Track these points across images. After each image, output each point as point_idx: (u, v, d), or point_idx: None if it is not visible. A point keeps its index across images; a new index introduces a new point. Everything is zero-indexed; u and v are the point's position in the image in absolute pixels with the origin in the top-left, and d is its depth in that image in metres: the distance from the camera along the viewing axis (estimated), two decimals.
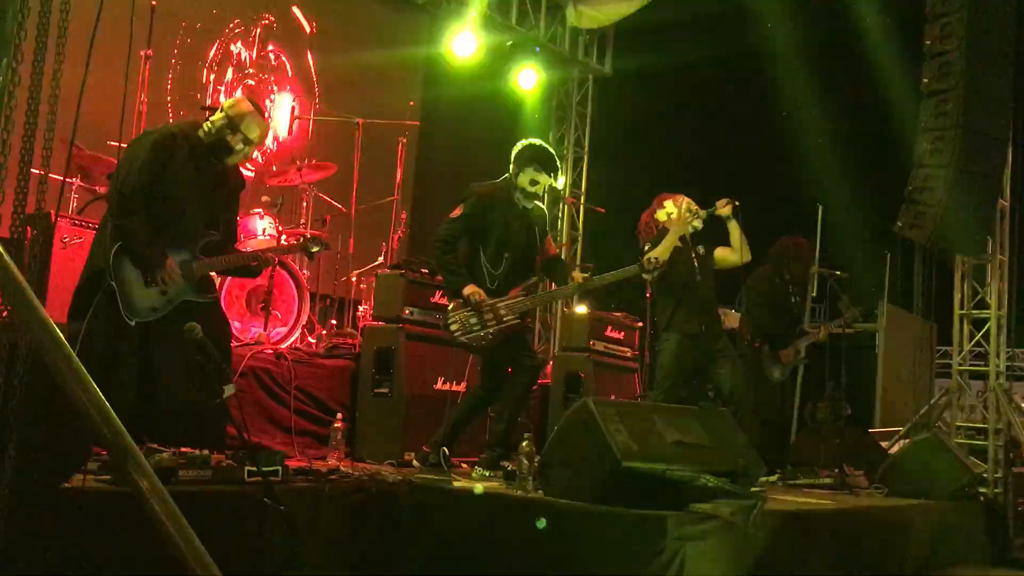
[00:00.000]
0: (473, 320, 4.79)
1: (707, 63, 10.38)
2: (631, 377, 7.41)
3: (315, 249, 4.79)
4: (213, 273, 4.42)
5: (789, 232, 6.84)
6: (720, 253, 5.81)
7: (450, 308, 4.87)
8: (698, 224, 5.74)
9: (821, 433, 6.82)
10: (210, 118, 4.23)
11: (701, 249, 5.78)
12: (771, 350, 6.58)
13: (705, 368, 5.70)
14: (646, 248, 5.60)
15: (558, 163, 5.13)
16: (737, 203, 5.66)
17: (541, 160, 5.00)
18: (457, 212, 4.94)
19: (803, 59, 10.65)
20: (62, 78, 2.49)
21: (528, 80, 10.19)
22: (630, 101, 10.93)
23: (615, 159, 10.86)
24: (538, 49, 10.09)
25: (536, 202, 5.03)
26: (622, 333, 7.37)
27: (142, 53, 6.16)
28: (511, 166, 5.02)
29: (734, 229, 5.73)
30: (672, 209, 5.74)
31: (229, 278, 6.01)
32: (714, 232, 5.81)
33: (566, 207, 10.49)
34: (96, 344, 3.84)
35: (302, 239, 4.87)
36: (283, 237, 6.48)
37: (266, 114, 4.69)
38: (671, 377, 5.57)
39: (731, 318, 7.98)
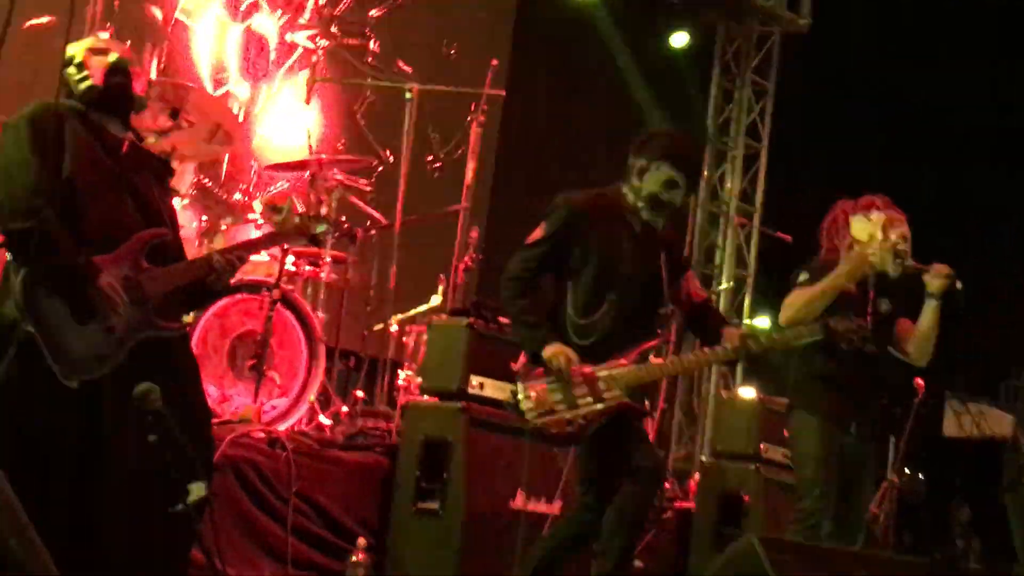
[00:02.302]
0: (556, 396, 4.77)
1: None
2: None
3: (320, 230, 4.74)
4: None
5: None
6: (902, 329, 5.72)
7: (521, 376, 4.87)
8: (894, 270, 5.66)
9: None
10: (68, 73, 4.46)
11: (885, 305, 5.68)
12: None
13: (860, 485, 5.59)
14: (800, 278, 5.56)
15: (702, 163, 5.12)
16: (959, 284, 5.58)
17: (680, 155, 4.97)
18: (537, 234, 4.95)
19: None
20: None
21: (679, 39, 10.18)
22: (835, 71, 10.82)
23: (808, 159, 10.75)
24: None
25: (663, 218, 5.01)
26: None
27: None
28: (630, 161, 5.01)
29: (931, 315, 5.64)
30: (876, 230, 5.66)
31: (204, 317, 6.08)
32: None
33: (731, 230, 10.38)
34: (8, 436, 3.92)
35: (298, 219, 4.79)
36: (290, 260, 6.56)
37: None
38: (819, 482, 5.47)
39: (998, 421, 7.82)
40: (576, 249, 4.90)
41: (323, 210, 5.21)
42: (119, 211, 4.30)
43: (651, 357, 4.94)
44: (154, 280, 4.24)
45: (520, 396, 4.82)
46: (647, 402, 5.11)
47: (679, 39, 10.14)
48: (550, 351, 4.76)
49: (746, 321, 9.61)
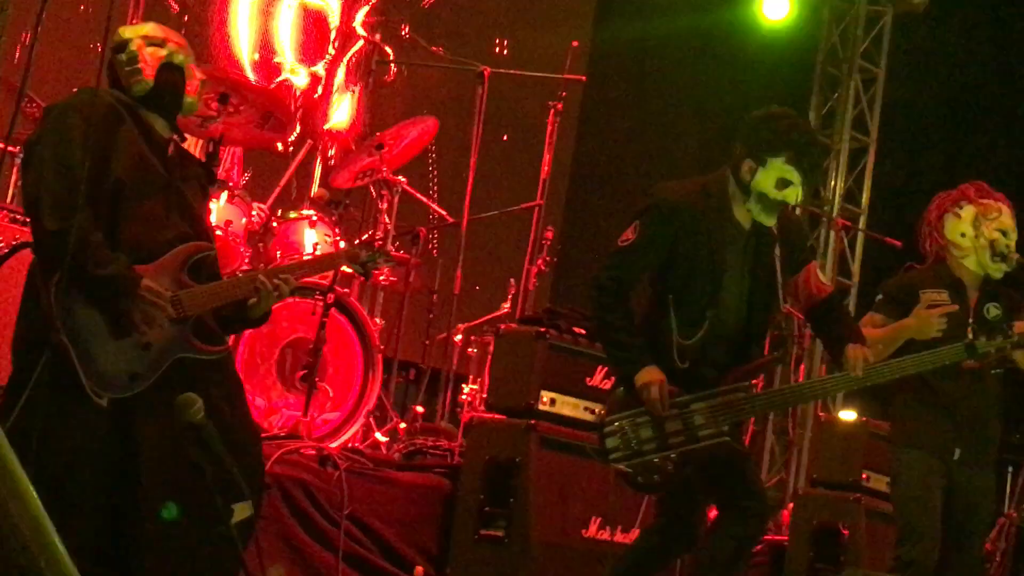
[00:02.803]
0: (646, 434, 4.63)
1: None
2: None
3: (368, 259, 4.72)
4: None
5: None
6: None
7: (610, 403, 4.78)
8: (996, 270, 5.52)
9: None
10: (118, 59, 4.46)
11: (994, 311, 5.49)
12: None
13: (972, 523, 5.48)
14: (877, 299, 5.47)
15: (824, 157, 4.98)
16: None
17: (799, 145, 4.80)
18: (630, 236, 4.79)
19: None
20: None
21: (777, 7, 10.12)
22: (954, 57, 10.70)
23: (922, 155, 10.64)
24: None
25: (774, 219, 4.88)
26: None
27: None
28: (737, 149, 4.86)
29: None
30: (967, 227, 5.52)
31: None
32: None
33: (834, 234, 10.31)
34: (34, 454, 3.92)
35: (352, 247, 4.81)
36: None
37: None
38: (920, 529, 5.37)
39: None
40: (675, 253, 4.73)
41: (379, 237, 5.20)
42: (164, 220, 4.29)
43: (752, 376, 4.84)
44: (195, 297, 4.24)
45: (605, 431, 4.71)
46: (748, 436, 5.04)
47: (778, 8, 10.05)
48: (643, 378, 4.60)
49: None
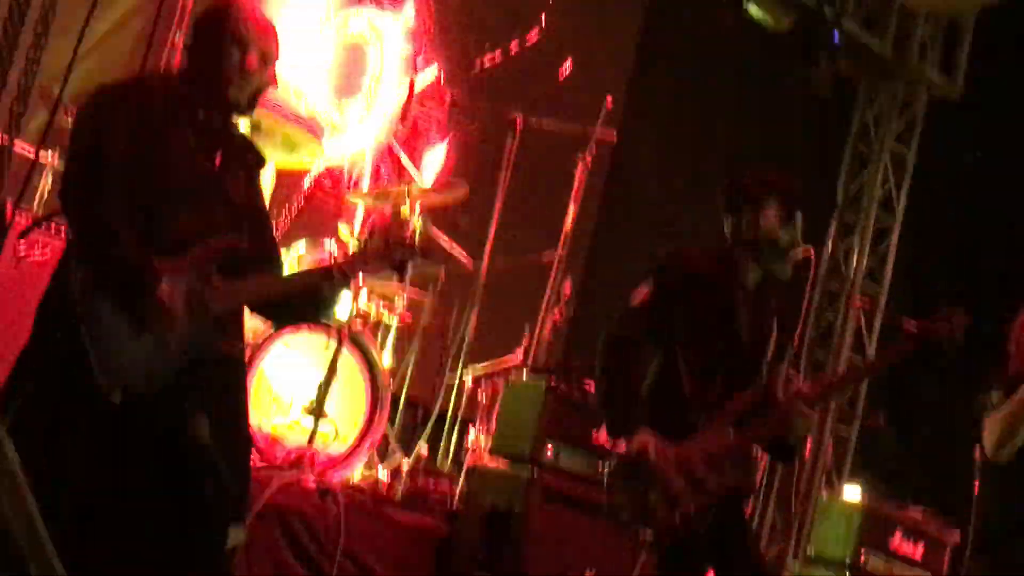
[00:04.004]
0: (652, 496, 4.62)
1: None
2: None
3: (406, 258, 4.50)
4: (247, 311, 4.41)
5: None
6: None
7: (613, 460, 4.77)
8: None
9: None
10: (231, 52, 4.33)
11: None
12: None
13: None
14: (994, 398, 5.35)
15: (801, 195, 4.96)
16: None
17: (783, 189, 4.89)
18: (642, 294, 4.84)
19: None
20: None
21: (820, 80, 10.13)
22: (987, 147, 10.67)
23: (946, 242, 10.62)
24: (836, 38, 10.07)
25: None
26: (920, 545, 7.22)
27: None
28: (729, 209, 4.93)
29: None
30: None
31: (263, 351, 6.13)
32: None
33: (852, 312, 10.31)
34: (35, 447, 3.93)
35: (388, 243, 4.64)
36: (365, 295, 6.60)
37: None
38: None
39: None
40: (685, 313, 4.78)
41: (410, 234, 5.08)
42: (203, 213, 4.21)
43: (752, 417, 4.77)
44: (221, 295, 4.17)
45: (612, 487, 4.69)
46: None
47: (821, 80, 10.08)
48: (637, 444, 4.61)
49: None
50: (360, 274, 5.28)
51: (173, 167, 4.17)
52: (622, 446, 4.70)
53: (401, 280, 5.53)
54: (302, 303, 4.40)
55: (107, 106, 4.16)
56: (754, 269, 4.86)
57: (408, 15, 8.26)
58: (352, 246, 6.47)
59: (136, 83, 4.24)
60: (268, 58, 4.30)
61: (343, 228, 6.90)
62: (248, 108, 4.34)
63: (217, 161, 4.28)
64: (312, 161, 7.44)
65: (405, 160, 7.54)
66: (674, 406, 4.76)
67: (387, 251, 4.52)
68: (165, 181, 4.15)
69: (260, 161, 4.50)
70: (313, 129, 7.32)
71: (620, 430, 4.70)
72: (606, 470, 4.79)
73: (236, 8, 4.28)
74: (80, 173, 4.07)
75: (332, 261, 4.48)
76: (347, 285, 5.21)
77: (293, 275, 4.35)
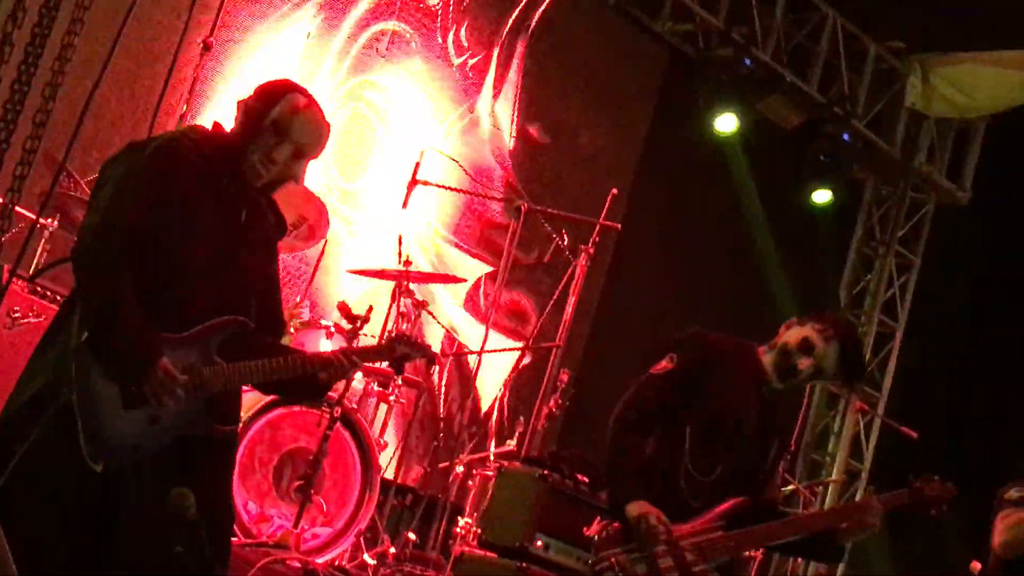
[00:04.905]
0: (641, 568, 4.60)
1: None
2: None
3: (404, 353, 4.52)
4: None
5: None
6: None
7: (599, 541, 4.74)
8: None
9: None
10: (266, 133, 4.29)
11: None
12: None
13: None
14: (1013, 495, 5.35)
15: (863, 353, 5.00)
16: None
17: (830, 318, 4.96)
18: (666, 365, 4.85)
19: None
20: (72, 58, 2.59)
21: (820, 192, 10.16)
22: (993, 255, 10.67)
23: (948, 349, 10.58)
24: (847, 137, 10.12)
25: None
26: None
27: (199, 40, 6.55)
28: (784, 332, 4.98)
29: None
30: None
31: (256, 425, 6.10)
32: None
33: (850, 416, 10.25)
34: (22, 509, 3.86)
35: (385, 338, 4.64)
36: (360, 378, 6.58)
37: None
38: None
39: None
40: (703, 391, 4.82)
41: (408, 330, 5.08)
42: (219, 292, 4.20)
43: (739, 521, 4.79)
44: (218, 375, 4.15)
45: (600, 566, 4.65)
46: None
47: (821, 196, 10.11)
48: (637, 510, 4.63)
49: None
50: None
51: (191, 245, 4.14)
52: (614, 512, 4.74)
53: (397, 373, 5.53)
54: (301, 385, 4.37)
55: (135, 169, 4.12)
56: (769, 381, 4.91)
57: None
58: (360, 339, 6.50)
59: (168, 143, 4.20)
60: (301, 154, 4.29)
61: (340, 312, 6.90)
62: (260, 192, 4.33)
63: (242, 218, 4.25)
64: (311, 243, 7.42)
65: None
66: (672, 483, 4.79)
67: (391, 346, 4.55)
68: (181, 259, 4.13)
69: (281, 227, 4.50)
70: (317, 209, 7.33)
71: (623, 494, 4.72)
72: (598, 537, 4.78)
73: (294, 96, 4.28)
74: (96, 234, 4.04)
75: (338, 353, 4.45)
76: (348, 374, 5.22)
77: (294, 359, 4.31)
